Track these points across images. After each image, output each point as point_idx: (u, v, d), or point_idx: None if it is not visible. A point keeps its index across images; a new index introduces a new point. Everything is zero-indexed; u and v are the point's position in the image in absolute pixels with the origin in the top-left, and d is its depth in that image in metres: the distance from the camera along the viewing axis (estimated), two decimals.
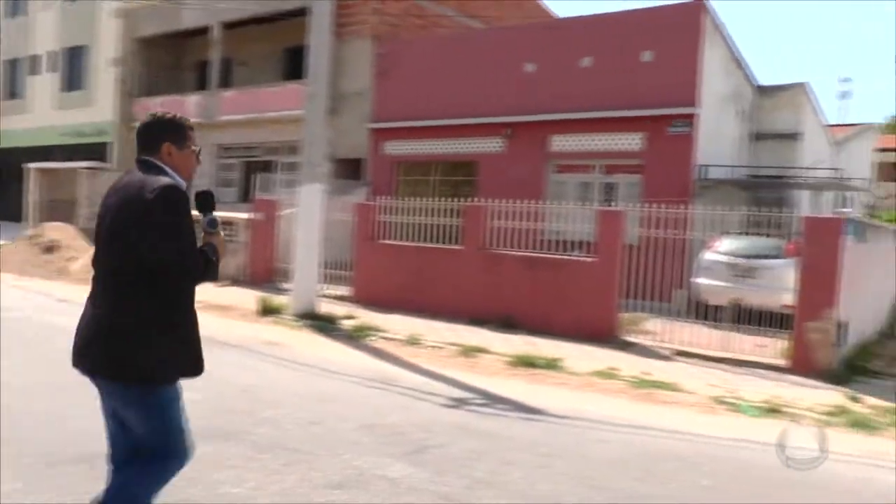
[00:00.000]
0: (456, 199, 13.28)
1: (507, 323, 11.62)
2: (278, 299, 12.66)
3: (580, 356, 9.93)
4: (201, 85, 26.38)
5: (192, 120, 3.45)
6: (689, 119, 15.19)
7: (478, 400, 7.62)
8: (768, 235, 11.72)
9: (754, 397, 8.24)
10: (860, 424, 7.47)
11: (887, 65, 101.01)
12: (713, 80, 15.95)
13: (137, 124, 3.27)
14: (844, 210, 11.29)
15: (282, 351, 9.63)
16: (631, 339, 11.07)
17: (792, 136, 18.76)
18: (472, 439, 6.08)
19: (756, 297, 11.39)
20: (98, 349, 3.00)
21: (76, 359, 3.09)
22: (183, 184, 3.14)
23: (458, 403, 7.39)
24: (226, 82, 25.31)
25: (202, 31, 25.28)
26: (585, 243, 11.99)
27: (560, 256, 11.94)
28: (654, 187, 14.78)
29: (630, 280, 11.35)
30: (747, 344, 10.37)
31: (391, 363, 9.36)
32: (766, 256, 12.04)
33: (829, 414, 7.79)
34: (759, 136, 18.91)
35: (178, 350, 3.09)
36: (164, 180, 3.01)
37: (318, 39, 12.42)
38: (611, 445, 6.22)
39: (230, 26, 24.56)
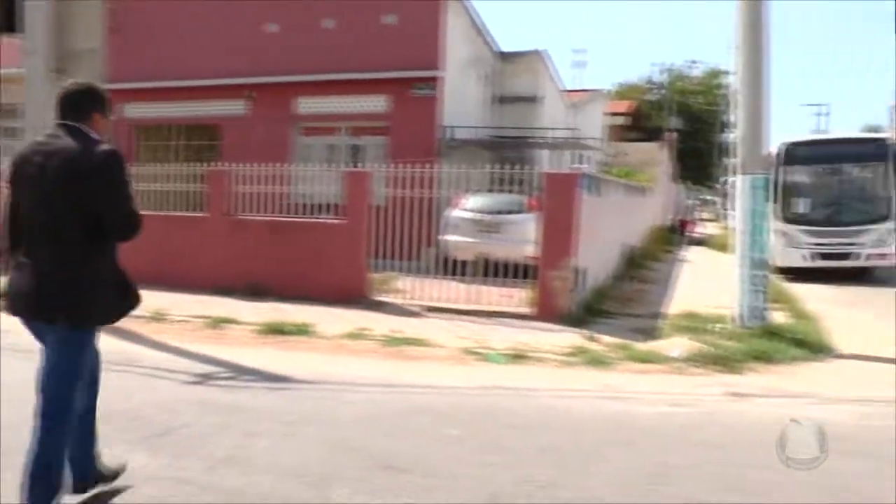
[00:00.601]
0: (200, 165, 12.53)
1: (256, 291, 11.16)
2: (2, 280, 11.35)
3: (331, 319, 9.74)
4: None
5: None
6: (432, 82, 15.37)
7: (224, 373, 7.19)
8: (511, 192, 12.10)
9: (501, 345, 8.47)
10: (596, 361, 7.92)
11: (616, 36, 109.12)
12: (456, 45, 16.22)
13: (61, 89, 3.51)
14: (579, 166, 11.93)
15: (6, 338, 8.51)
16: (382, 298, 11.05)
17: (532, 100, 19.61)
18: (215, 415, 5.67)
19: (501, 250, 11.73)
20: (45, 298, 3.38)
21: (18, 307, 3.49)
22: None
23: (203, 379, 6.92)
24: None
25: None
26: (334, 206, 11.77)
27: (307, 220, 11.65)
28: (400, 148, 14.79)
29: (380, 240, 11.29)
30: (495, 295, 10.66)
31: (133, 342, 8.60)
32: (509, 212, 12.45)
33: (570, 354, 8.18)
34: (501, 100, 19.59)
35: (114, 293, 3.56)
36: (107, 146, 3.39)
37: None
38: (361, 406, 6.08)
39: None
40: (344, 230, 11.11)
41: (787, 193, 16.63)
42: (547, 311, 9.93)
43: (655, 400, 6.48)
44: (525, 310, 10.24)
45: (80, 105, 3.49)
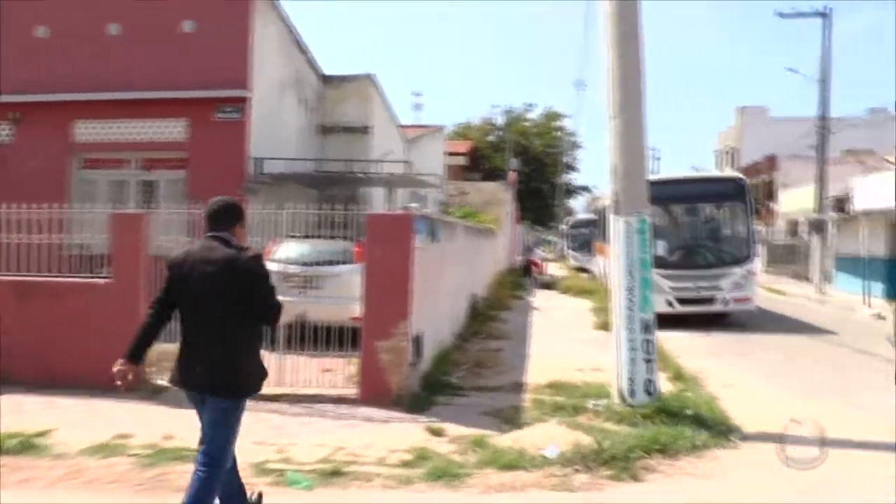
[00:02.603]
0: None
1: None
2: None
3: (83, 420, 7.03)
4: None
5: None
6: (240, 103, 12.87)
7: None
8: (335, 237, 9.79)
9: (312, 453, 6.07)
10: (443, 474, 5.67)
11: (453, 79, 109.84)
12: (269, 62, 13.89)
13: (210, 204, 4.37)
14: (413, 205, 9.66)
15: None
16: (164, 382, 8.35)
17: (362, 130, 17.45)
18: None
19: (322, 311, 9.24)
20: (205, 371, 4.18)
21: (187, 381, 4.25)
22: None
23: None
24: None
25: None
26: None
27: (62, 279, 8.79)
28: (202, 184, 12.12)
29: None
30: (312, 371, 8.24)
31: None
32: (332, 262, 10.09)
33: (406, 463, 5.90)
34: (326, 129, 17.30)
35: (260, 367, 4.43)
36: (252, 253, 4.30)
37: None
38: None
39: None
40: (112, 291, 8.38)
41: None
42: (376, 393, 7.59)
43: None
44: (349, 391, 7.88)
45: (226, 217, 4.34)
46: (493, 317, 15.67)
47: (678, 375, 9.45)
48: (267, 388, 7.79)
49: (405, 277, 7.66)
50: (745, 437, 6.92)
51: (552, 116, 54.31)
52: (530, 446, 6.27)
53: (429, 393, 8.08)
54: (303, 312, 9.37)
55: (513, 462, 5.88)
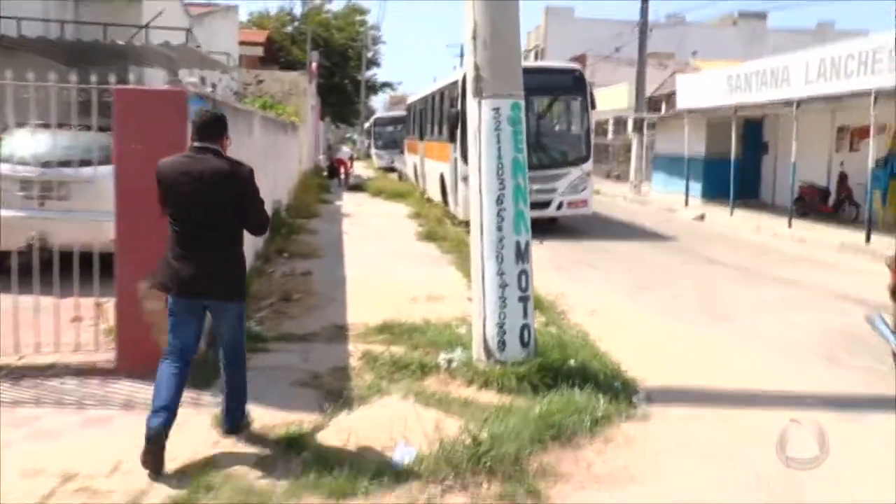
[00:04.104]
0: None
1: None
2: None
3: None
4: None
5: None
6: None
7: None
8: (90, 128, 6.91)
9: (20, 493, 3.68)
10: None
11: None
12: None
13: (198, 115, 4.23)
14: (190, 80, 6.81)
15: None
16: None
17: None
18: None
19: (70, 230, 6.39)
20: (214, 280, 4.12)
21: (186, 289, 4.12)
22: None
23: None
24: None
25: None
26: None
27: None
28: None
29: None
30: (61, 318, 5.57)
31: None
32: (83, 162, 7.29)
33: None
34: None
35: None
36: (247, 165, 4.26)
37: None
38: None
39: None
40: None
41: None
42: (139, 358, 5.12)
43: None
44: (105, 355, 5.43)
45: (215, 130, 4.21)
46: (300, 227, 13.37)
47: (536, 303, 7.67)
48: None
49: None
50: (651, 398, 5.25)
51: (355, 10, 51.13)
52: (370, 444, 4.22)
53: (217, 351, 5.78)
54: (41, 234, 6.72)
55: (345, 486, 3.75)
